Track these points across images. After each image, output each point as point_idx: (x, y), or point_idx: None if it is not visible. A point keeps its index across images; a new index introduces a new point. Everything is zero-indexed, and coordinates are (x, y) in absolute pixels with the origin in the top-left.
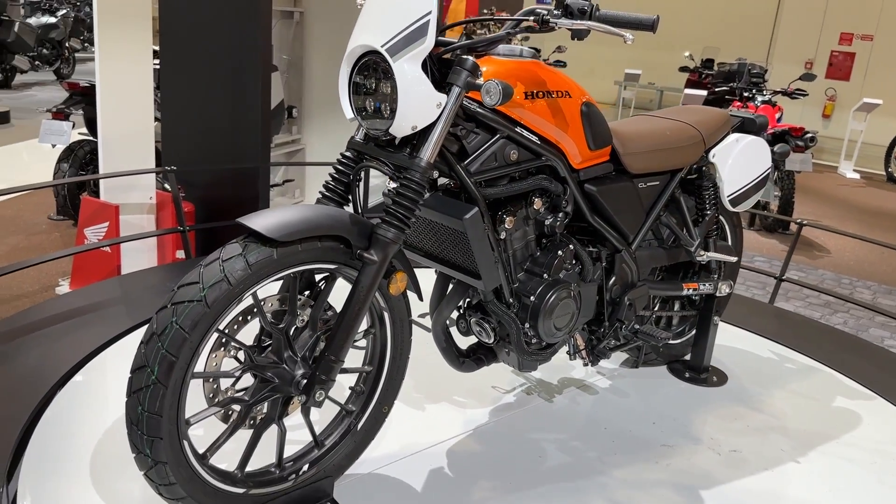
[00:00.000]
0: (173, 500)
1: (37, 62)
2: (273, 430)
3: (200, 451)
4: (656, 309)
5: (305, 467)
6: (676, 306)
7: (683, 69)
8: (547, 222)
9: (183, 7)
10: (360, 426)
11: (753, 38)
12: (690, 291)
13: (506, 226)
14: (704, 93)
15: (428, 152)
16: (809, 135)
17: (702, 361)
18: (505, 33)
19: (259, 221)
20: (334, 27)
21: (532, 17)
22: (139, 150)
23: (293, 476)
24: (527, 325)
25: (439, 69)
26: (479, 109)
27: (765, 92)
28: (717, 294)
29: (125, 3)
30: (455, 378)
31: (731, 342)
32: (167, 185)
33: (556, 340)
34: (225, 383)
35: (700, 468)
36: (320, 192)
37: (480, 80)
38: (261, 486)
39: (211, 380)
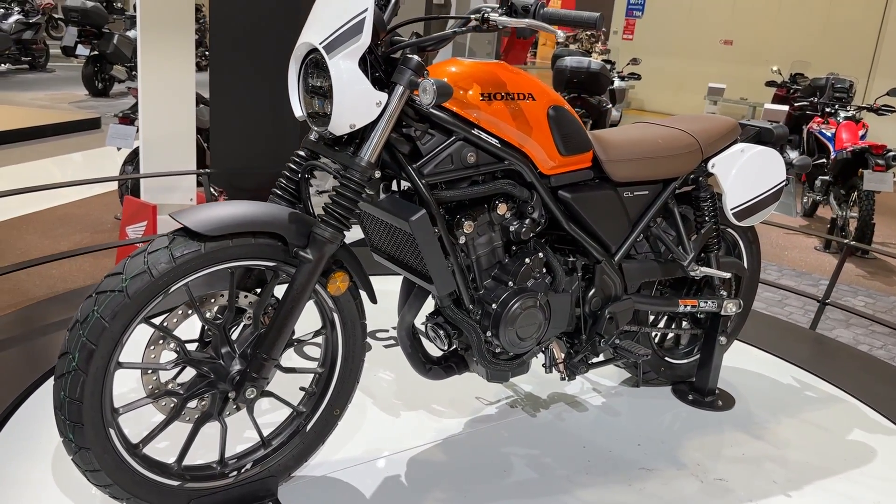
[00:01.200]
0: (100, 486)
1: (133, 72)
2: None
3: (134, 441)
4: (660, 326)
5: (249, 465)
6: (684, 324)
7: (770, 84)
8: (512, 228)
9: (230, 22)
10: (308, 428)
11: (854, 53)
12: (688, 308)
13: (464, 230)
14: (786, 108)
15: (369, 152)
16: (892, 153)
17: (706, 383)
18: (451, 31)
19: (190, 216)
20: None
21: (475, 16)
22: (180, 153)
23: (234, 473)
24: (489, 334)
25: (386, 69)
26: (432, 110)
27: (849, 108)
28: (723, 313)
29: (167, 15)
30: (437, 388)
31: (750, 366)
32: (213, 189)
33: (522, 351)
34: (166, 376)
35: (676, 495)
36: (272, 191)
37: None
38: (198, 480)
39: (150, 372)
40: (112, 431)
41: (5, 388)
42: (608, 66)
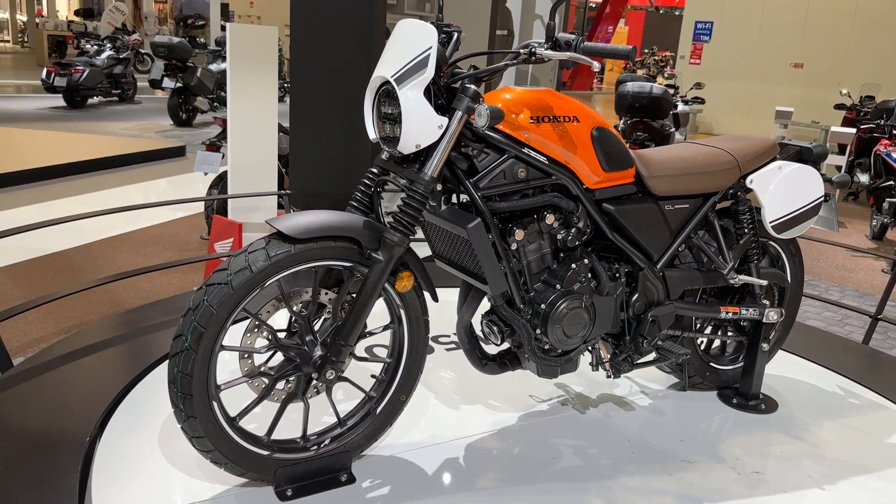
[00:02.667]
0: (203, 451)
1: (215, 103)
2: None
3: (232, 414)
4: (706, 332)
5: (327, 441)
6: (729, 332)
7: (839, 107)
8: (559, 237)
9: (309, 57)
10: (378, 410)
11: None
12: (729, 315)
13: (516, 237)
14: (853, 131)
15: (431, 168)
16: None
17: (750, 388)
18: (504, 64)
19: (283, 222)
20: None
21: (524, 50)
22: (263, 177)
23: (315, 447)
24: (538, 332)
25: (448, 97)
26: (487, 132)
27: None
28: (765, 321)
29: (253, 52)
30: (493, 385)
31: (797, 375)
32: (292, 209)
33: (569, 348)
34: (259, 360)
35: (713, 484)
36: (349, 202)
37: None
38: (284, 451)
39: (246, 356)
40: (215, 404)
41: (112, 380)
42: (672, 91)
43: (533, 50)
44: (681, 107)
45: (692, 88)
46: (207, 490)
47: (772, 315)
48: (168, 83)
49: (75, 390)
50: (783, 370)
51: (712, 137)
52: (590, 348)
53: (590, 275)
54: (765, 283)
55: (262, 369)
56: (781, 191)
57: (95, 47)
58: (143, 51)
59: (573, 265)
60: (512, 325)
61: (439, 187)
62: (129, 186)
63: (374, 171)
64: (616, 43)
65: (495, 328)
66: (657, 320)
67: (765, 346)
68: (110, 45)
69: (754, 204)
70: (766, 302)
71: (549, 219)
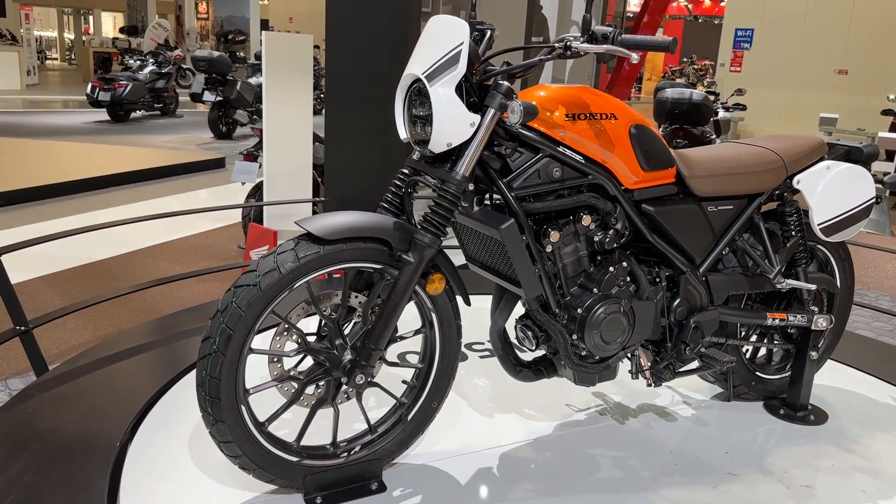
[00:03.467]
0: (231, 456)
1: (254, 116)
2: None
3: (261, 419)
4: (752, 340)
5: (357, 448)
6: (775, 339)
7: (887, 112)
8: (597, 239)
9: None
10: (410, 417)
11: None
12: (776, 322)
13: (551, 239)
14: None
15: (463, 167)
16: None
17: (798, 399)
18: (538, 59)
19: (313, 223)
20: None
21: (558, 44)
22: (298, 185)
23: (345, 454)
24: (575, 337)
25: (480, 94)
26: (520, 130)
27: None
28: (813, 328)
29: (289, 64)
30: (529, 394)
31: (848, 385)
32: None
33: (607, 354)
34: (289, 365)
35: (760, 497)
36: (380, 204)
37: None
38: (314, 457)
39: (276, 360)
40: (243, 408)
41: (145, 384)
42: (712, 98)
43: (568, 43)
44: (722, 113)
45: (733, 95)
46: (237, 497)
47: (821, 322)
48: (208, 96)
49: (108, 394)
50: (833, 380)
51: (757, 137)
52: (629, 356)
53: (628, 278)
54: (813, 287)
55: (292, 374)
56: (830, 192)
57: (138, 63)
58: (184, 66)
59: (611, 268)
60: (547, 330)
61: (471, 187)
62: (168, 197)
63: (406, 171)
64: (653, 53)
65: (529, 333)
66: (700, 327)
67: (813, 354)
68: (153, 61)
69: (802, 206)
70: (815, 308)
71: (586, 220)
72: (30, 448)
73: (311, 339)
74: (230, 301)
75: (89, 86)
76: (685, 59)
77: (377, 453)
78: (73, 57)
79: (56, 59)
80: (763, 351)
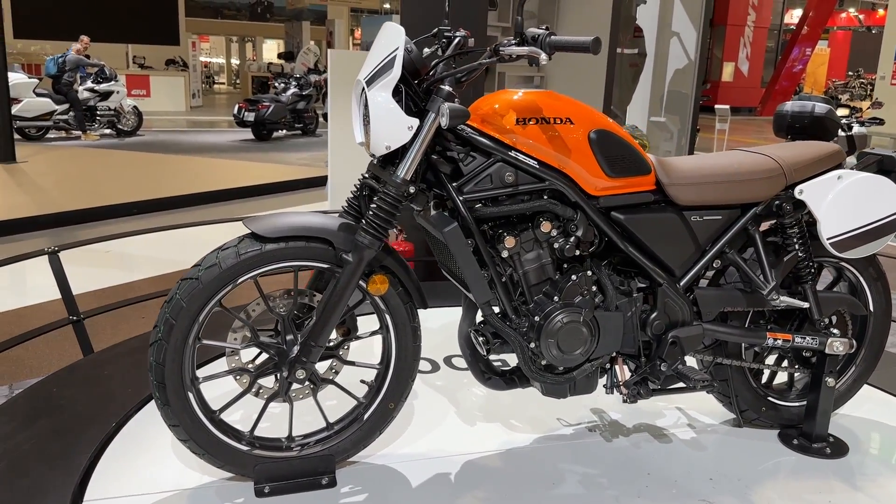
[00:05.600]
0: (180, 439)
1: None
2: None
3: (215, 408)
4: (767, 363)
5: (312, 443)
6: (796, 363)
7: None
8: (556, 246)
9: None
10: (366, 417)
11: None
12: (779, 343)
13: (506, 245)
14: None
15: (403, 170)
16: None
17: (814, 429)
18: (477, 63)
19: (255, 223)
20: (572, 91)
21: (489, 49)
22: None
23: (299, 448)
24: (533, 345)
25: (426, 99)
26: (472, 134)
27: None
28: (827, 351)
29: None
30: (520, 405)
31: (883, 415)
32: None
33: (570, 365)
34: (247, 358)
35: None
36: (342, 206)
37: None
38: (266, 448)
39: (233, 353)
40: (191, 395)
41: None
42: (853, 111)
43: (497, 47)
44: (856, 128)
45: (869, 108)
46: (195, 480)
47: (837, 346)
48: None
49: (129, 379)
50: (866, 408)
51: (773, 145)
52: (603, 368)
53: (595, 288)
54: (805, 305)
55: (246, 366)
56: (842, 203)
57: (282, 85)
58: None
59: (573, 276)
60: (503, 336)
61: (412, 189)
62: (288, 208)
63: (364, 175)
64: (814, 67)
65: (481, 338)
66: (679, 342)
67: (830, 381)
68: (295, 84)
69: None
70: (837, 331)
71: (546, 226)
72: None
73: (270, 335)
74: (174, 293)
75: (236, 107)
76: (850, 73)
77: (332, 450)
78: (237, 81)
79: (224, 83)
80: (785, 376)
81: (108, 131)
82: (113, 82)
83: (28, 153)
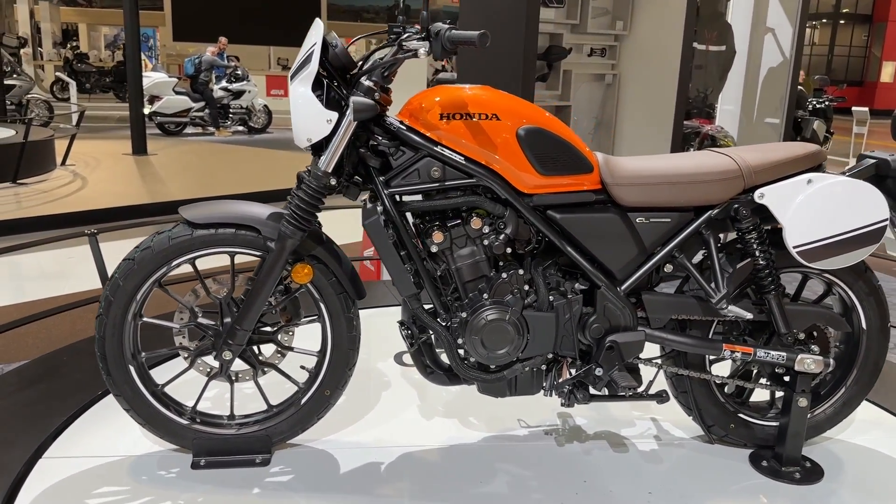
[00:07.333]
0: (124, 408)
1: None
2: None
3: (160, 382)
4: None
5: (251, 423)
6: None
7: None
8: (486, 243)
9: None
10: (303, 402)
11: None
12: (737, 356)
13: (434, 239)
14: None
15: (325, 163)
16: None
17: (785, 450)
18: (395, 58)
19: (188, 210)
20: (647, 88)
21: (396, 44)
22: None
23: (238, 426)
24: (460, 341)
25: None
26: (400, 129)
27: None
28: (797, 368)
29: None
30: (486, 403)
31: (877, 436)
32: None
33: (498, 364)
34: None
35: None
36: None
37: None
38: (206, 424)
39: (180, 332)
40: (132, 368)
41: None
42: None
43: (399, 42)
44: None
45: None
46: (146, 447)
47: (808, 363)
48: None
49: None
50: (854, 427)
51: (747, 146)
52: (541, 368)
53: (528, 287)
54: (749, 315)
55: (187, 344)
56: (812, 210)
57: None
58: None
59: (504, 274)
60: (430, 330)
61: (333, 182)
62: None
63: (307, 168)
64: None
65: (405, 332)
66: (617, 347)
67: (802, 401)
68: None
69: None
70: (816, 348)
71: (476, 223)
72: None
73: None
74: (114, 273)
75: None
76: None
77: (269, 431)
78: None
79: None
80: (767, 392)
81: (239, 128)
82: (245, 82)
83: (160, 146)
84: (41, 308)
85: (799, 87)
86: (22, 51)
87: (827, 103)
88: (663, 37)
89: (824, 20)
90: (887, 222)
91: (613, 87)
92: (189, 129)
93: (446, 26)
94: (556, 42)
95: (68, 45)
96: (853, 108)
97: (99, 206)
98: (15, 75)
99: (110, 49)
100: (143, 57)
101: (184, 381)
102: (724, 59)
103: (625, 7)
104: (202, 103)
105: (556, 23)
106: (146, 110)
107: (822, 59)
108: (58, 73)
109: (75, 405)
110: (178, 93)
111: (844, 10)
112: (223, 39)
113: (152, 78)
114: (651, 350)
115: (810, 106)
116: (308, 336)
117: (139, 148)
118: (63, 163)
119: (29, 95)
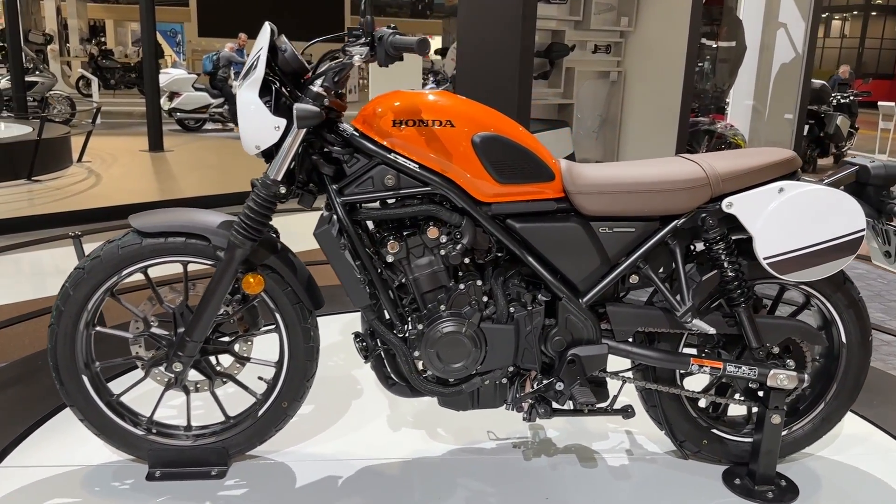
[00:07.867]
0: (78, 418)
1: None
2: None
3: (115, 392)
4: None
5: (208, 434)
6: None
7: None
8: (442, 253)
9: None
10: (260, 413)
11: None
12: (706, 370)
13: (389, 249)
14: None
15: (273, 170)
16: None
17: (758, 468)
18: (340, 64)
19: (138, 219)
20: (653, 86)
21: (341, 49)
22: None
23: (194, 438)
24: (416, 353)
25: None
26: (353, 136)
27: None
28: (770, 384)
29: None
30: (456, 416)
31: (861, 453)
32: None
33: (456, 376)
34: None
35: None
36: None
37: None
38: (161, 435)
39: (134, 341)
40: (85, 378)
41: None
42: None
43: (344, 47)
44: None
45: None
46: (104, 457)
47: (781, 378)
48: None
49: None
50: (843, 445)
51: (717, 152)
52: (504, 382)
53: (486, 298)
54: (712, 330)
55: (141, 354)
56: (783, 219)
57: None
58: None
59: (461, 285)
60: (385, 343)
61: (283, 190)
62: None
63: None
64: None
65: (360, 344)
66: (578, 361)
67: (775, 417)
68: (433, 78)
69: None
70: (791, 362)
71: (432, 232)
72: None
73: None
74: (65, 281)
75: None
76: None
77: (225, 443)
78: None
79: None
80: (744, 408)
81: None
82: None
83: (177, 143)
84: (34, 308)
85: (826, 81)
86: (49, 47)
87: (851, 98)
88: (670, 33)
89: (855, 12)
90: (863, 233)
91: (619, 84)
92: (209, 126)
93: (389, 31)
94: (558, 39)
95: (94, 42)
96: (879, 103)
97: (107, 203)
98: (38, 72)
99: (137, 45)
100: (171, 52)
101: (145, 391)
102: (734, 55)
103: (630, 3)
104: (221, 100)
105: (558, 19)
106: (165, 107)
107: (853, 52)
108: (81, 70)
109: (40, 412)
110: (197, 89)
111: (876, 2)
112: (242, 36)
113: (171, 74)
114: (620, 363)
115: (834, 101)
116: (270, 346)
117: (156, 144)
118: (79, 160)
119: (51, 92)
